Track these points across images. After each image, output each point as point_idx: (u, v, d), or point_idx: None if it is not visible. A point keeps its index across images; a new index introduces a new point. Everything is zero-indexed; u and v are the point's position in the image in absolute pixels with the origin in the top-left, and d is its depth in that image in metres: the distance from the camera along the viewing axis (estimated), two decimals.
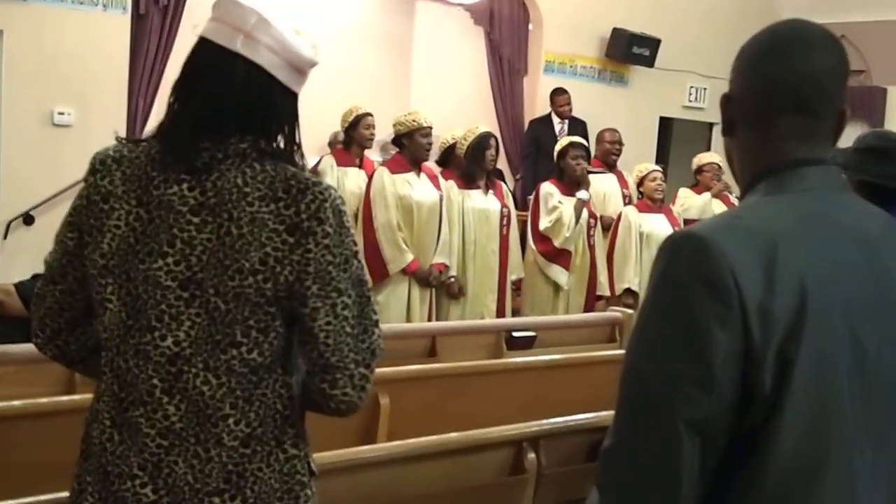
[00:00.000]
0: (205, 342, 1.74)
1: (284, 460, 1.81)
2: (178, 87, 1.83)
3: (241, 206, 1.73)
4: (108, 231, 1.78)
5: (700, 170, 7.52)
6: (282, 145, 1.84)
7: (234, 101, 1.79)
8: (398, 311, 5.95)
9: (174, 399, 1.76)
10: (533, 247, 6.63)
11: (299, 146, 1.87)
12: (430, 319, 6.06)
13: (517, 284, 6.67)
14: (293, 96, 1.87)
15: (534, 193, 6.82)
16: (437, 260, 6.08)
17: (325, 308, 1.75)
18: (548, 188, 6.66)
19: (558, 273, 6.59)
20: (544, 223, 6.53)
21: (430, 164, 6.37)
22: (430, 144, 6.11)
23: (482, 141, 6.25)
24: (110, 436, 1.79)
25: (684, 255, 1.39)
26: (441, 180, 6.25)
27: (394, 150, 6.35)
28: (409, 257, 5.95)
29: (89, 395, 2.97)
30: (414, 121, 6.01)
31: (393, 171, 6.01)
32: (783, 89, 1.51)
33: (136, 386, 1.77)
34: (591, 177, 6.79)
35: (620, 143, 7.79)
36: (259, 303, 1.74)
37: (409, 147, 6.03)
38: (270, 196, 1.74)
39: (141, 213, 1.77)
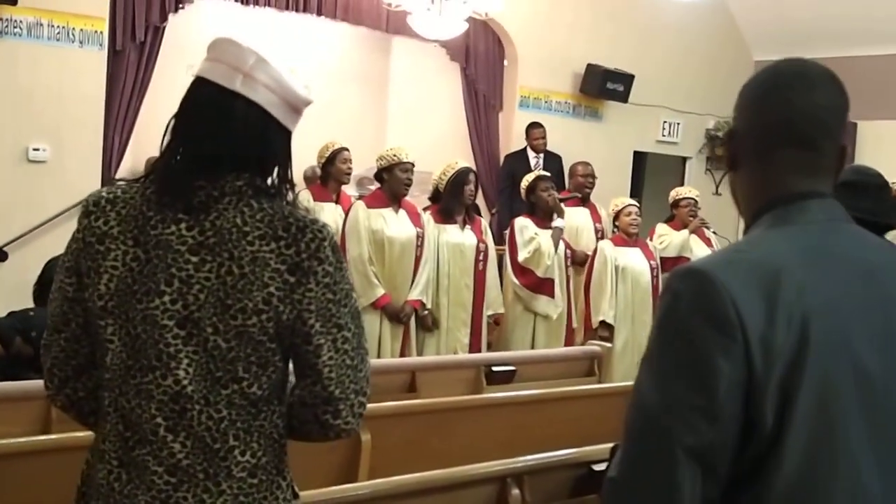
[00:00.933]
0: (204, 378, 1.75)
1: (286, 487, 1.86)
2: (176, 126, 1.84)
3: (241, 246, 1.74)
4: (105, 272, 1.78)
5: (676, 203, 7.56)
6: (275, 182, 1.85)
7: (232, 140, 1.79)
8: (369, 346, 5.87)
9: (179, 436, 1.76)
10: (515, 281, 6.63)
11: (292, 184, 1.88)
12: (402, 355, 6.02)
13: (496, 319, 6.67)
14: (287, 135, 1.88)
15: (509, 228, 6.84)
16: (412, 297, 6.06)
17: (328, 344, 1.79)
18: (522, 222, 6.70)
19: (546, 305, 6.61)
20: (523, 254, 6.56)
21: (413, 201, 6.37)
22: (410, 180, 6.08)
23: (461, 176, 6.27)
24: (118, 475, 1.79)
25: (687, 289, 1.41)
26: (422, 216, 6.25)
27: (372, 186, 6.35)
28: (380, 291, 5.92)
29: (66, 435, 3.00)
30: (395, 155, 6.00)
31: (369, 206, 6.01)
32: (785, 125, 1.54)
33: (141, 425, 1.77)
34: (563, 209, 6.84)
35: (594, 177, 7.83)
36: (261, 340, 1.75)
37: (389, 181, 6.02)
38: (270, 235, 1.75)
39: (138, 252, 1.77)
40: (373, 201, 6.08)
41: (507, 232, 6.85)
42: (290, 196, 1.85)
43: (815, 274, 1.43)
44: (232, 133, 1.79)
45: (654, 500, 1.39)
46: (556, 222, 6.63)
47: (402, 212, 6.09)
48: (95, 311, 1.80)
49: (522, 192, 6.85)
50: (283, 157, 1.88)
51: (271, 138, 1.84)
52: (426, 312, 6.15)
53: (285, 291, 1.75)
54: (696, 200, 7.49)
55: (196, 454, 1.76)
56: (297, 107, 1.87)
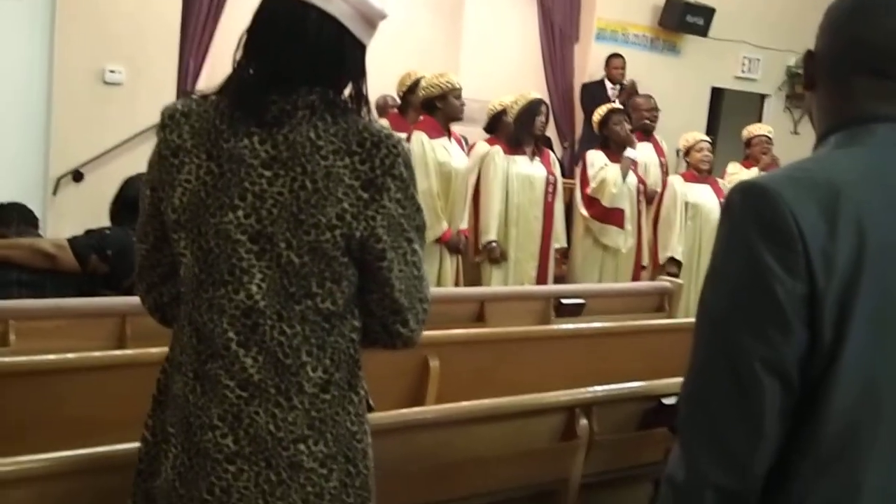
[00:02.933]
0: (277, 294, 1.75)
1: (357, 402, 1.87)
2: (249, 40, 1.81)
3: (314, 160, 1.72)
4: (179, 185, 1.78)
5: (749, 142, 7.41)
6: (349, 98, 1.83)
7: (306, 52, 1.77)
8: (430, 279, 5.87)
9: (251, 351, 1.77)
10: (584, 212, 6.57)
11: (367, 100, 1.85)
12: (457, 285, 6.03)
13: (561, 253, 6.62)
14: (362, 49, 1.85)
15: (580, 162, 6.75)
16: (463, 226, 6.06)
17: (398, 257, 1.79)
18: (593, 155, 6.62)
19: (615, 235, 6.56)
20: (592, 185, 6.47)
21: (458, 129, 6.31)
22: (463, 105, 6.01)
23: (533, 107, 6.20)
24: (193, 387, 1.81)
25: (748, 203, 1.40)
26: (485, 145, 6.20)
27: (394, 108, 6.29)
28: (445, 226, 5.94)
29: (140, 350, 3.05)
30: (448, 82, 5.92)
31: (430, 136, 5.93)
32: (862, 49, 1.51)
33: (213, 339, 1.78)
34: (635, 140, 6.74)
35: (657, 110, 7.68)
36: (335, 256, 1.75)
37: (443, 109, 5.92)
38: (344, 150, 1.74)
39: (212, 166, 1.76)
40: (430, 131, 5.96)
41: (579, 164, 6.76)
42: (364, 112, 1.83)
43: (876, 193, 1.41)
44: (306, 46, 1.76)
45: (737, 414, 1.38)
46: (627, 152, 6.53)
47: (453, 140, 6.05)
48: (170, 225, 1.80)
49: (595, 124, 6.76)
50: (358, 72, 1.85)
51: (346, 52, 1.81)
52: (494, 244, 6.12)
53: (359, 207, 1.73)
54: (769, 137, 7.33)
55: (268, 369, 1.77)
56: (372, 20, 1.83)
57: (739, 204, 1.41)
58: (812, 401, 1.38)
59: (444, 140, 5.96)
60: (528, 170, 6.24)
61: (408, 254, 1.81)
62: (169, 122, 1.82)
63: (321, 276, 1.75)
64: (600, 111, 6.77)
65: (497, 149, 6.21)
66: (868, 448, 1.39)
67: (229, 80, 1.82)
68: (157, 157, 1.82)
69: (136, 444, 2.02)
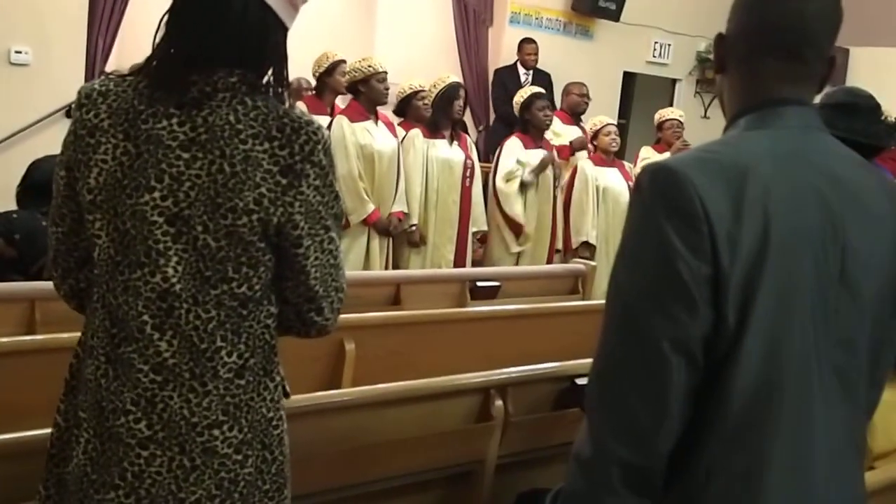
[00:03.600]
0: (193, 277, 1.73)
1: (273, 388, 1.86)
2: (172, 18, 1.78)
3: (233, 144, 1.71)
4: (95, 166, 1.75)
5: (661, 126, 7.51)
6: (270, 82, 1.82)
7: (230, 32, 1.75)
8: (356, 261, 5.92)
9: (166, 335, 1.75)
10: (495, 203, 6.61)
11: (288, 85, 1.84)
12: (386, 269, 6.04)
13: (480, 237, 6.66)
14: (285, 32, 1.83)
15: (497, 151, 6.78)
16: (395, 208, 6.05)
17: (315, 245, 1.78)
18: (511, 143, 6.63)
19: (511, 241, 6.63)
20: (500, 181, 6.53)
21: (386, 113, 6.31)
22: (388, 89, 6.02)
23: (451, 90, 6.21)
24: (105, 371, 1.78)
25: (657, 186, 1.43)
26: (399, 129, 6.20)
27: (310, 92, 6.27)
28: (371, 207, 5.92)
29: (51, 336, 2.99)
30: (370, 66, 5.92)
31: (352, 120, 5.93)
32: (772, 31, 1.55)
33: (127, 322, 1.76)
34: (558, 128, 6.80)
35: (588, 97, 7.79)
36: (251, 241, 1.73)
37: (366, 93, 5.94)
38: (264, 134, 1.72)
39: (128, 147, 1.73)
40: (353, 114, 5.98)
41: (496, 154, 6.78)
42: (285, 96, 1.82)
43: (782, 176, 1.45)
44: (229, 25, 1.74)
45: (644, 393, 1.42)
46: (545, 155, 6.58)
47: (380, 123, 6.04)
48: (85, 206, 1.77)
49: (516, 107, 6.76)
50: (280, 56, 1.83)
51: (269, 34, 1.79)
52: (414, 228, 6.13)
53: (276, 193, 1.72)
54: (680, 121, 7.44)
55: (182, 353, 1.75)
56: (295, 3, 1.83)
57: (648, 186, 1.44)
58: (717, 379, 1.42)
59: (368, 123, 5.94)
60: (447, 154, 6.24)
61: (325, 241, 1.80)
62: (86, 101, 1.78)
63: (238, 261, 1.74)
64: (523, 93, 6.76)
65: (416, 132, 6.21)
66: (772, 424, 1.43)
67: (149, 61, 1.79)
68: (73, 137, 1.79)
69: (47, 431, 1.99)
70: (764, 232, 1.40)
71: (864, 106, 3.39)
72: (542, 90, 6.86)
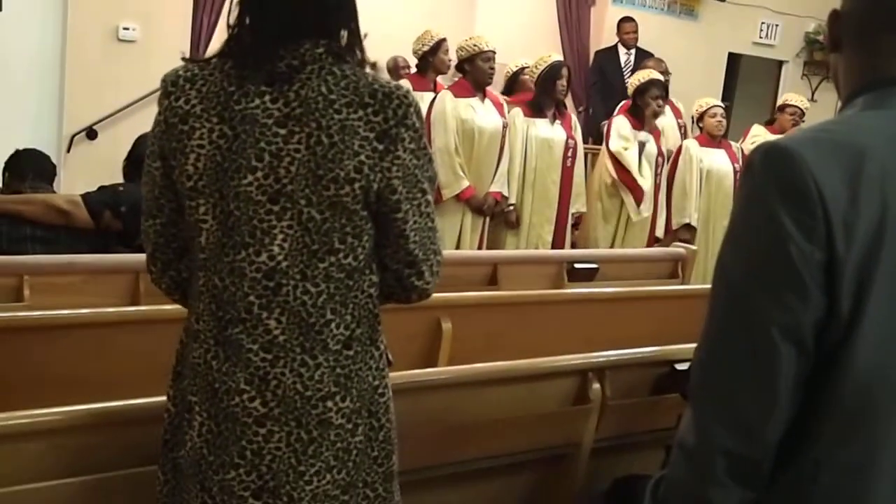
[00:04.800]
0: (300, 253, 1.75)
1: (378, 357, 1.88)
2: None
3: (329, 115, 1.72)
4: (192, 152, 1.76)
5: (783, 108, 7.33)
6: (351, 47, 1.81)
7: (310, 3, 1.76)
8: (450, 237, 5.92)
9: (273, 313, 1.76)
10: (612, 172, 6.48)
11: (363, 45, 1.83)
12: (480, 248, 6.02)
13: (577, 218, 6.59)
14: None
15: (606, 127, 6.67)
16: (493, 189, 6.03)
17: (413, 209, 1.80)
18: (620, 121, 6.54)
19: (631, 203, 6.49)
20: (615, 145, 6.42)
21: (497, 92, 6.28)
22: (493, 69, 6.02)
23: (554, 70, 6.15)
24: (215, 354, 1.80)
25: (769, 165, 1.38)
26: (506, 108, 6.15)
27: (408, 70, 6.26)
28: (465, 184, 5.91)
29: (154, 307, 3.05)
30: (475, 45, 5.93)
31: (457, 95, 5.93)
32: (889, 7, 1.47)
33: (235, 304, 1.77)
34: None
35: (668, 73, 7.61)
36: (355, 209, 1.74)
37: (472, 72, 5.96)
38: (357, 102, 1.73)
39: (224, 129, 1.74)
40: (459, 90, 6.00)
41: (605, 129, 6.69)
42: (365, 57, 1.82)
43: None
44: None
45: (752, 381, 1.37)
46: (642, 136, 6.46)
47: (487, 101, 6.02)
48: (185, 192, 1.78)
49: (630, 89, 6.65)
50: (354, 17, 1.83)
51: None
52: (511, 208, 6.11)
53: (375, 159, 1.73)
54: (803, 111, 7.26)
55: (292, 329, 1.77)
56: None
57: (760, 165, 1.38)
58: (829, 368, 1.37)
59: (473, 100, 5.94)
60: (548, 133, 6.19)
61: (422, 205, 1.82)
62: (173, 88, 1.79)
63: (343, 232, 1.75)
64: (641, 76, 6.66)
65: (517, 111, 6.18)
66: (885, 417, 1.37)
67: (230, 42, 1.80)
68: (164, 126, 1.79)
69: (150, 400, 2.03)
70: (881, 215, 1.34)
71: None
72: (660, 77, 6.72)
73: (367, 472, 1.88)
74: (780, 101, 7.38)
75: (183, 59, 1.85)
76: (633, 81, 6.66)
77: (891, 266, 1.34)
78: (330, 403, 1.80)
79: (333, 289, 1.78)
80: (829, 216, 1.32)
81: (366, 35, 1.84)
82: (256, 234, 1.74)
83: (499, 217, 6.18)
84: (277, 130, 1.72)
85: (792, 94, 7.79)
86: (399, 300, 1.91)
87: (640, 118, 6.52)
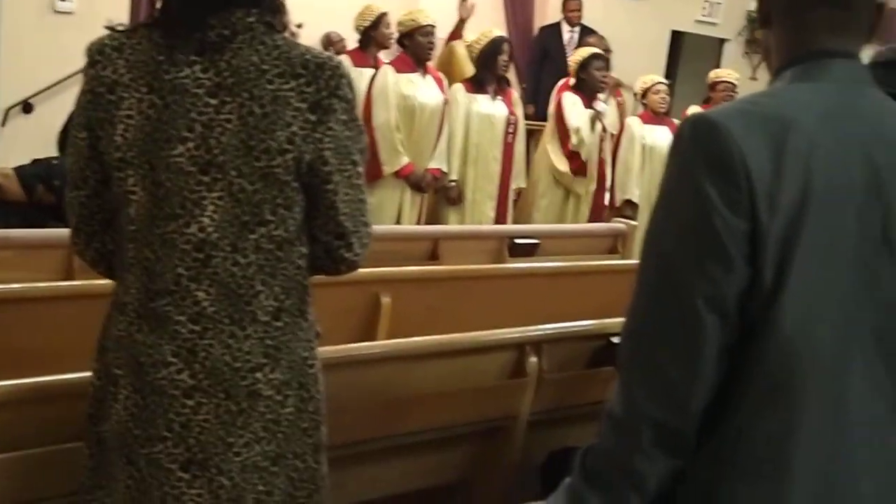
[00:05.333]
0: (230, 224, 1.73)
1: (307, 328, 1.87)
2: None
3: (260, 85, 1.70)
4: (120, 122, 1.73)
5: (714, 85, 7.38)
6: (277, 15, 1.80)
7: None
8: (390, 213, 5.90)
9: (202, 284, 1.75)
10: (563, 168, 6.49)
11: (286, 13, 1.82)
12: (419, 224, 6.01)
13: (518, 194, 6.61)
14: None
15: (555, 104, 6.69)
16: (432, 165, 6.01)
17: (343, 181, 1.78)
18: (570, 99, 6.53)
19: (579, 184, 6.53)
20: (573, 140, 6.43)
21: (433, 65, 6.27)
22: (432, 44, 6.00)
23: (495, 45, 6.13)
24: (139, 326, 1.79)
25: (696, 136, 1.39)
26: (446, 83, 6.15)
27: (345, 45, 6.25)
28: (405, 160, 5.88)
29: (87, 282, 3.01)
30: (413, 20, 5.90)
31: (398, 70, 5.90)
32: None
33: (163, 275, 1.76)
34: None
35: (608, 50, 7.64)
36: (286, 181, 1.73)
37: (411, 47, 5.92)
38: (289, 72, 1.72)
39: (154, 99, 1.72)
40: (400, 65, 5.96)
41: (552, 106, 6.69)
42: (292, 31, 1.81)
43: (826, 130, 1.40)
44: None
45: (677, 352, 1.39)
46: (598, 106, 6.48)
47: (428, 77, 6.00)
48: (113, 164, 1.75)
49: (572, 66, 6.68)
50: None
51: None
52: (452, 184, 6.09)
53: (307, 130, 1.72)
54: (734, 84, 7.31)
55: (221, 301, 1.76)
56: None
57: (688, 137, 1.40)
58: (753, 338, 1.38)
59: (414, 75, 5.92)
60: (489, 109, 6.18)
61: (353, 177, 1.81)
62: (99, 58, 1.76)
63: (274, 203, 1.74)
64: (581, 54, 6.70)
65: (458, 86, 6.17)
66: (805, 387, 1.39)
67: (160, 10, 1.77)
68: (90, 96, 1.76)
69: (80, 375, 2.01)
70: (805, 187, 1.36)
71: None
72: (600, 51, 6.77)
73: (297, 444, 1.87)
74: (709, 80, 7.40)
75: (108, 27, 1.81)
76: (576, 58, 6.68)
77: (813, 237, 1.36)
78: (259, 375, 1.79)
79: (263, 260, 1.76)
80: (753, 188, 1.34)
81: (300, 26, 1.82)
82: (187, 205, 1.72)
83: (441, 193, 6.17)
84: (208, 101, 1.70)
85: (721, 69, 7.83)
86: (328, 272, 1.91)
87: (587, 93, 6.53)
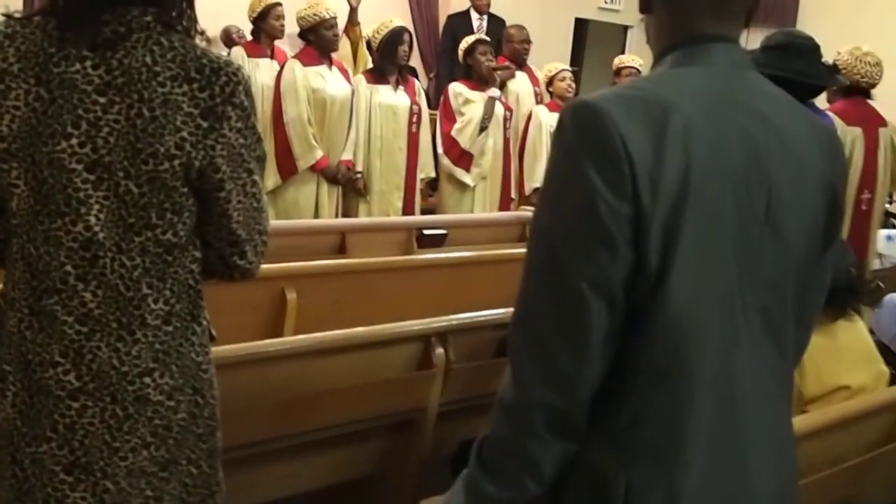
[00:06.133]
0: (116, 225, 1.70)
1: (200, 332, 1.84)
2: None
3: (151, 87, 1.66)
4: (7, 113, 1.68)
5: (619, 72, 7.47)
6: (182, 16, 1.75)
7: None
8: (307, 207, 5.87)
9: (90, 285, 1.71)
10: (440, 150, 6.52)
11: (196, 20, 1.78)
12: (336, 217, 5.99)
13: (427, 184, 6.62)
14: None
15: (442, 95, 6.72)
16: (345, 156, 5.99)
17: (237, 188, 1.76)
18: (457, 88, 6.56)
19: (462, 174, 6.54)
20: (456, 127, 6.45)
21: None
22: (337, 35, 5.97)
23: (395, 35, 6.10)
24: (29, 324, 1.75)
25: (578, 122, 1.40)
26: (351, 74, 6.12)
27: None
28: (319, 154, 5.85)
29: None
30: (315, 14, 5.83)
31: (305, 64, 5.85)
32: None
33: (49, 273, 1.72)
34: (497, 77, 6.75)
35: (529, 42, 7.71)
36: (174, 186, 1.70)
37: (316, 41, 5.88)
38: (183, 76, 1.68)
39: (41, 92, 1.67)
40: (306, 59, 5.90)
41: (441, 98, 6.73)
42: (196, 28, 1.76)
43: (705, 114, 1.42)
44: None
45: (564, 336, 1.39)
46: (491, 92, 6.52)
47: (335, 69, 5.97)
48: None
49: (460, 54, 6.71)
50: None
51: None
52: (358, 175, 6.07)
53: (198, 136, 1.68)
54: (638, 70, 7.39)
55: (108, 303, 1.72)
56: None
57: (569, 123, 1.41)
58: (641, 321, 1.40)
59: (321, 68, 5.87)
60: (392, 99, 6.16)
61: (247, 185, 1.78)
62: None
63: (161, 207, 1.70)
64: (467, 40, 6.73)
65: (360, 77, 6.14)
66: (696, 370, 1.42)
67: (55, 0, 1.72)
68: None
69: None
70: (685, 171, 1.38)
71: (803, 46, 3.41)
72: (485, 37, 6.81)
73: (192, 450, 1.85)
74: (614, 66, 7.50)
75: (3, 14, 1.76)
76: (462, 47, 6.71)
77: (695, 220, 1.38)
78: (148, 380, 1.76)
79: (150, 263, 1.73)
80: (635, 171, 1.35)
81: (203, 33, 1.79)
82: (72, 202, 1.68)
83: (348, 185, 6.15)
84: (97, 98, 1.66)
85: (624, 55, 7.93)
86: (221, 278, 1.89)
87: (476, 81, 6.55)
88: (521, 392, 1.43)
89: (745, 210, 1.43)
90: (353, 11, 7.03)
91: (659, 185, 1.36)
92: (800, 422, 2.33)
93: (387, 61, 6.13)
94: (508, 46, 7.75)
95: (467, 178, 6.53)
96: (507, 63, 7.43)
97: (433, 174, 6.55)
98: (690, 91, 1.44)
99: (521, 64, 7.61)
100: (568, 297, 1.38)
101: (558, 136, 1.43)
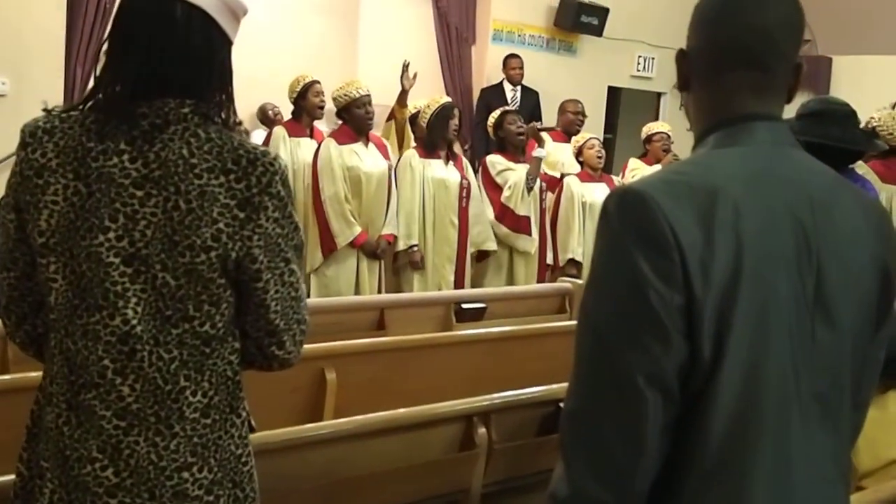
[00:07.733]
0: (153, 318, 1.69)
1: (240, 424, 1.82)
2: (113, 44, 1.73)
3: (188, 179, 1.66)
4: (45, 207, 1.69)
5: (649, 139, 7.49)
6: (220, 104, 1.76)
7: (176, 54, 1.70)
8: (347, 284, 5.90)
9: (128, 379, 1.70)
10: (493, 220, 6.48)
11: (234, 111, 1.79)
12: (379, 292, 5.99)
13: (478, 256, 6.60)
14: (229, 46, 1.78)
15: (480, 170, 6.74)
16: (385, 231, 6.00)
17: (275, 278, 1.75)
18: (492, 158, 6.60)
19: (525, 241, 6.52)
20: (504, 195, 6.45)
21: (379, 134, 6.29)
22: (371, 113, 6.01)
23: (445, 111, 6.20)
24: (67, 419, 1.73)
25: (623, 210, 1.37)
26: (389, 149, 6.17)
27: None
28: (357, 230, 5.88)
29: (22, 375, 2.92)
30: (346, 94, 5.92)
31: (340, 142, 5.91)
32: (734, 44, 1.50)
33: (87, 368, 1.71)
34: (548, 145, 6.77)
35: (584, 115, 7.82)
36: (211, 278, 1.69)
37: (350, 120, 5.95)
38: (220, 168, 1.68)
39: (79, 186, 1.68)
40: (342, 137, 5.97)
41: (480, 171, 6.74)
42: (235, 120, 1.77)
43: (753, 196, 1.39)
44: (175, 46, 1.69)
45: (619, 430, 1.35)
46: (536, 152, 6.54)
47: (371, 145, 6.01)
48: (37, 249, 1.71)
49: (490, 129, 6.77)
50: (228, 76, 1.78)
51: (215, 51, 1.75)
52: (415, 249, 6.08)
53: (234, 228, 1.68)
54: (668, 135, 7.42)
55: (146, 397, 1.70)
56: (236, 13, 1.78)
57: (615, 211, 1.38)
58: (694, 412, 1.36)
59: (356, 145, 5.92)
60: (443, 174, 6.21)
61: (285, 274, 1.77)
62: (31, 140, 1.72)
63: (198, 299, 1.70)
64: (494, 115, 6.79)
65: (412, 152, 6.21)
66: (751, 458, 1.38)
67: (93, 94, 1.74)
68: (20, 178, 1.73)
69: (13, 477, 1.93)
70: (736, 257, 1.35)
71: (840, 112, 3.38)
72: (510, 108, 6.91)
73: None
74: (644, 134, 7.52)
75: (44, 109, 1.78)
76: (490, 122, 6.77)
77: (748, 306, 1.35)
78: (186, 474, 1.73)
79: (187, 355, 1.72)
80: (685, 259, 1.32)
81: (240, 123, 1.79)
82: (109, 296, 1.68)
83: (402, 259, 6.15)
84: (134, 192, 1.67)
85: (653, 122, 7.97)
86: (260, 368, 1.87)
87: (511, 151, 6.58)
88: (575, 487, 1.38)
89: (797, 294, 1.40)
90: (403, 93, 7.07)
91: (710, 271, 1.33)
92: (856, 500, 2.25)
93: (437, 136, 6.19)
94: (563, 118, 7.85)
95: (529, 244, 6.52)
96: (545, 125, 7.46)
97: (494, 246, 6.51)
98: (735, 173, 1.42)
99: (573, 135, 7.65)
100: (623, 391, 1.34)
101: (604, 224, 1.40)
